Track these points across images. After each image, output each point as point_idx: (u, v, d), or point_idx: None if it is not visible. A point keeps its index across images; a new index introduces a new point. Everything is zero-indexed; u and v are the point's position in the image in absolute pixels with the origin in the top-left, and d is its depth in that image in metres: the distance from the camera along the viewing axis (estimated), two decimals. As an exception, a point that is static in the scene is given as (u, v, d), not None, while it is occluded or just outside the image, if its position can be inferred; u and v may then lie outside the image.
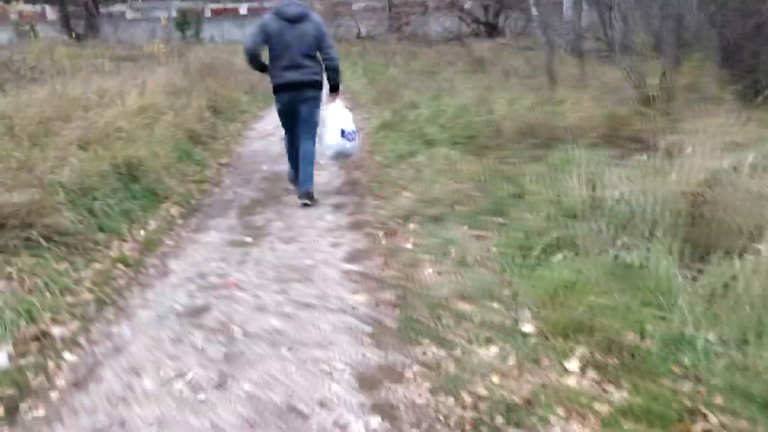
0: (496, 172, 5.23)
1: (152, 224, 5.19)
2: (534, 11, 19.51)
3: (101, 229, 4.76)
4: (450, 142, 6.72)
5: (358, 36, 25.71)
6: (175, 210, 5.65)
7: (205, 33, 33.88)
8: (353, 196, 5.82)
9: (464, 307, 3.24)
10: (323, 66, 5.50)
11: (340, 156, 6.04)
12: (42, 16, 35.40)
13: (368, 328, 3.24)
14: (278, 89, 5.55)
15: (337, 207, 5.53)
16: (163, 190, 5.96)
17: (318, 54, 5.46)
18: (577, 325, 2.80)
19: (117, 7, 38.17)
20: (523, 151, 5.78)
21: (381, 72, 14.23)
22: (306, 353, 3.04)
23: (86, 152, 6.10)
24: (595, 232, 3.50)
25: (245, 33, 32.33)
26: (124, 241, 4.75)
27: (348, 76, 15.26)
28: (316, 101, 5.58)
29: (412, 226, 4.56)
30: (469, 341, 2.96)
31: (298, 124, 5.64)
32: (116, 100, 8.85)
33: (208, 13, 40.69)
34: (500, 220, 4.25)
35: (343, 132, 5.75)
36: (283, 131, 5.99)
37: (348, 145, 5.82)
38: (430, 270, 3.78)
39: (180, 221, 5.40)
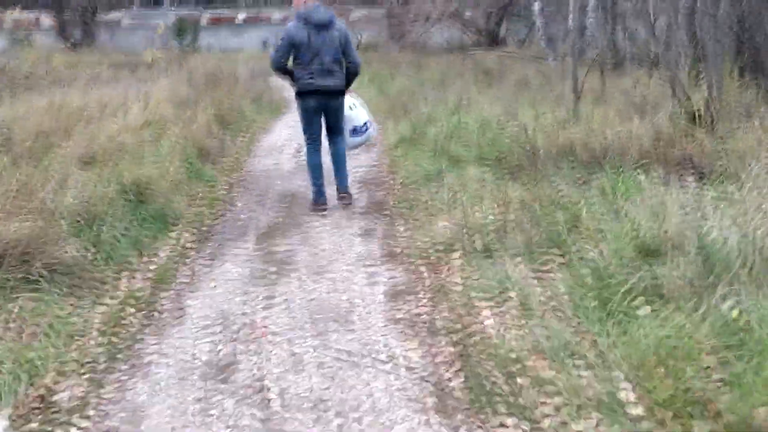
0: (541, 197, 4.73)
1: (163, 254, 4.68)
2: (538, 21, 19.13)
3: (108, 262, 4.25)
4: (479, 161, 6.24)
5: (359, 45, 25.25)
6: (187, 236, 5.14)
7: (203, 41, 33.30)
8: (381, 220, 5.33)
9: (542, 368, 2.75)
10: (347, 71, 5.50)
11: (354, 148, 6.12)
12: (37, 23, 34.83)
13: (429, 392, 2.74)
14: (306, 95, 5.43)
15: (366, 233, 5.03)
16: (173, 214, 5.45)
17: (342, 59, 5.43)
18: (692, 401, 2.31)
19: (113, 15, 37.62)
20: (564, 173, 5.29)
21: (388, 82, 13.74)
22: (358, 425, 2.54)
23: (90, 171, 5.63)
24: (684, 277, 3.01)
25: (243, 41, 31.87)
26: (134, 275, 4.23)
27: (354, 86, 14.79)
28: (342, 107, 5.62)
29: (456, 259, 4.07)
30: (557, 411, 2.47)
31: (325, 131, 5.69)
32: (118, 112, 8.36)
33: (204, 22, 40.23)
34: (560, 255, 3.76)
35: (354, 129, 5.82)
36: (303, 142, 5.94)
37: (360, 139, 5.95)
38: (490, 317, 3.29)
39: (193, 250, 4.89)
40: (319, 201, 5.58)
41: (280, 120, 10.89)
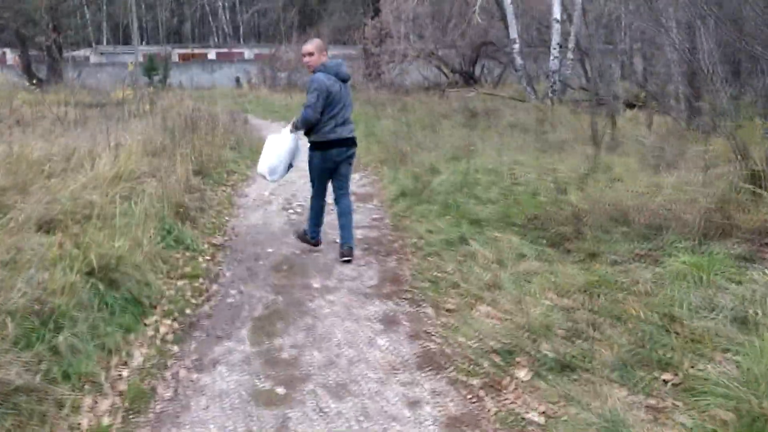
0: (606, 279, 3.82)
1: (138, 357, 3.64)
2: (517, 61, 18.54)
3: (67, 377, 3.20)
4: (505, 223, 5.32)
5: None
6: (166, 328, 4.10)
7: (174, 78, 32.30)
8: (402, 303, 4.35)
9: None
10: None
11: (280, 179, 5.99)
12: (2, 60, 33.47)
13: None
14: (329, 146, 5.33)
15: (388, 322, 4.05)
16: (149, 296, 4.42)
17: None
18: None
19: (81, 52, 36.43)
20: (618, 244, 4.40)
21: (374, 123, 12.87)
22: None
23: (48, 237, 4.59)
24: None
25: (215, 78, 30.94)
26: (100, 395, 3.18)
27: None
28: (353, 158, 5.67)
29: (523, 375, 3.10)
30: None
31: (333, 181, 5.62)
32: (85, 163, 7.31)
33: (175, 58, 39.24)
34: (669, 376, 2.82)
35: (290, 166, 5.75)
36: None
37: (288, 173, 5.88)
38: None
39: (175, 348, 3.85)
40: (314, 238, 5.80)
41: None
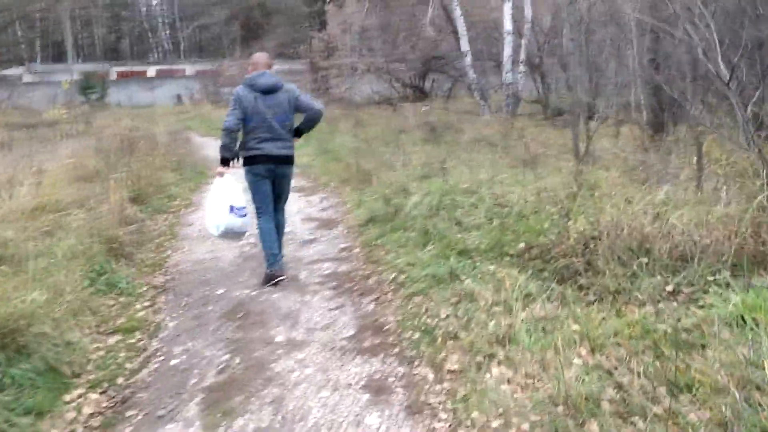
0: (647, 330, 3.07)
1: (51, 457, 2.72)
2: (470, 75, 18.04)
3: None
4: (498, 253, 4.56)
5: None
6: (91, 405, 3.19)
7: (112, 97, 30.82)
8: (391, 362, 3.51)
9: None
10: (307, 119, 5.12)
11: (230, 234, 5.19)
12: (-75, 79, 31.45)
13: None
14: (253, 161, 4.96)
15: (376, 390, 3.21)
16: (71, 362, 3.49)
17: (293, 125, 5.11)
18: None
19: (12, 71, 34.52)
20: (643, 280, 3.67)
21: (328, 140, 12.04)
22: None
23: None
24: None
25: (155, 96, 29.65)
26: None
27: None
28: (290, 177, 5.27)
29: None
30: None
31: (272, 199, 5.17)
32: (3, 192, 6.31)
33: (113, 76, 37.58)
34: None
35: (231, 208, 5.00)
36: (255, 211, 5.16)
37: (239, 222, 5.06)
38: None
39: (103, 439, 2.94)
40: (274, 269, 5.00)
41: (208, 188, 8.98)
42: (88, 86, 30.26)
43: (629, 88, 10.97)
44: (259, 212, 5.08)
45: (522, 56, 17.55)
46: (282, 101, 4.90)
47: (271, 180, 5.05)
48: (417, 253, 4.99)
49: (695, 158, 6.84)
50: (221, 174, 5.04)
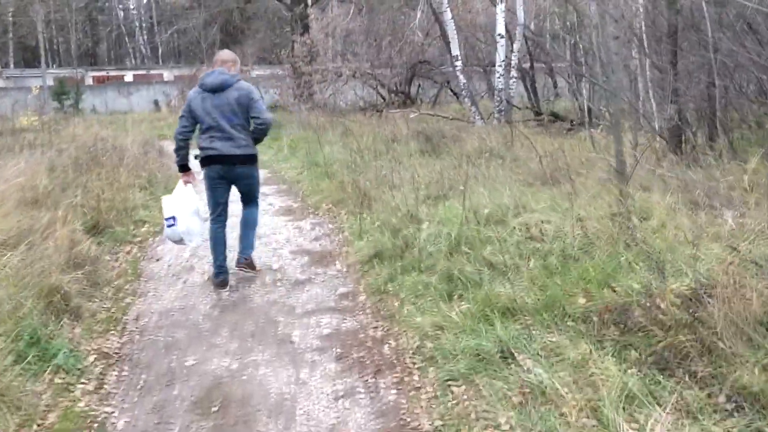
0: None
1: None
2: (461, 79, 16.94)
3: None
4: (557, 315, 3.40)
5: (262, 105, 22.16)
6: None
7: (86, 102, 29.29)
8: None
9: None
10: (253, 128, 4.83)
11: (174, 241, 5.03)
12: None
13: None
14: (207, 162, 4.79)
15: None
16: None
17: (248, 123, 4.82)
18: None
19: (-17, 75, 32.84)
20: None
21: (315, 151, 10.85)
22: None
23: None
24: None
25: (132, 102, 28.23)
26: None
27: (270, 156, 11.77)
28: (252, 176, 4.98)
29: None
30: None
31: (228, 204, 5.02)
32: None
33: (89, 81, 36.00)
34: None
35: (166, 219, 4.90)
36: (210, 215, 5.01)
37: (167, 231, 4.91)
38: None
39: None
40: (217, 280, 4.83)
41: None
42: (61, 92, 28.67)
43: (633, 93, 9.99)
44: (210, 217, 4.93)
45: (514, 61, 16.49)
46: (231, 100, 4.64)
47: (228, 182, 4.87)
48: (443, 307, 3.82)
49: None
50: (186, 182, 4.94)
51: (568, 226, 4.74)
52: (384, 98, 22.93)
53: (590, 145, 10.24)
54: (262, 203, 6.31)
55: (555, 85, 21.43)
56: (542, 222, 4.96)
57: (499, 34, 15.99)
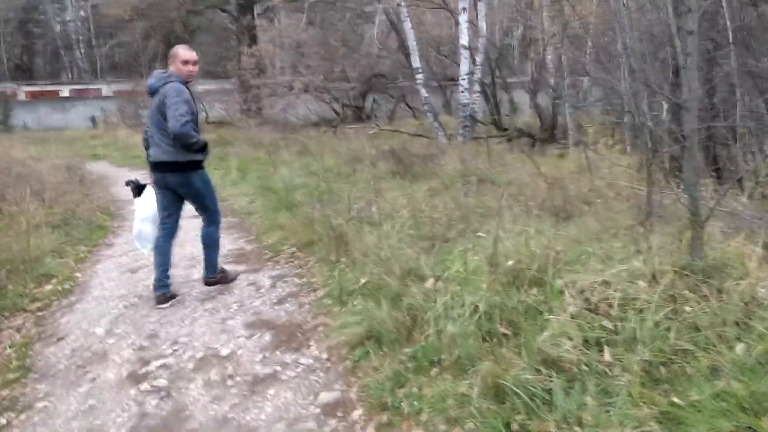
0: None
1: None
2: (423, 93, 15.55)
3: None
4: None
5: (207, 120, 20.33)
6: None
7: (17, 119, 26.78)
8: None
9: None
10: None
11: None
12: None
13: None
14: (150, 167, 4.50)
15: None
16: None
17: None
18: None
19: None
20: None
21: (269, 174, 9.22)
22: None
23: None
24: None
25: (68, 118, 25.86)
26: None
27: (215, 180, 10.05)
28: (186, 184, 4.40)
29: None
30: None
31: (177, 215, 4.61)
32: None
33: (23, 96, 33.27)
34: None
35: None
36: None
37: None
38: None
39: None
40: (156, 294, 4.45)
41: (108, 253, 6.02)
42: (-12, 108, 26.16)
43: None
44: (160, 224, 4.58)
45: (477, 75, 15.22)
46: (158, 103, 4.29)
47: (168, 191, 4.48)
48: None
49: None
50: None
51: (640, 288, 3.30)
52: (338, 113, 21.41)
53: (571, 164, 8.98)
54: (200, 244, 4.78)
55: (511, 100, 20.38)
56: (598, 283, 3.49)
57: (463, 46, 14.65)
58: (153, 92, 4.31)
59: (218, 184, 9.79)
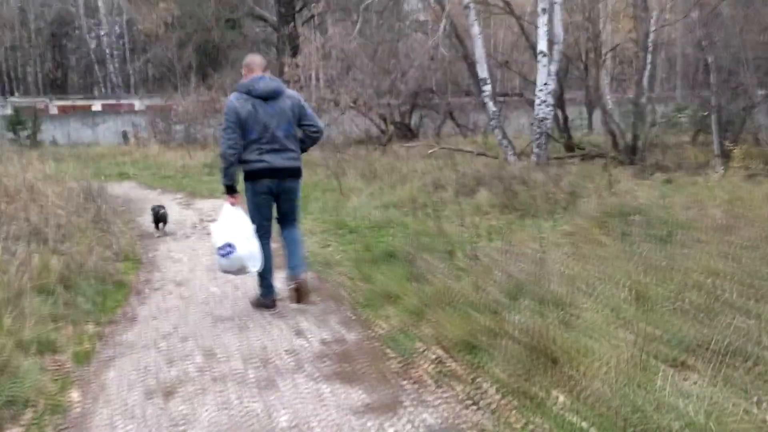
0: None
1: None
2: (490, 106, 13.20)
3: None
4: None
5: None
6: None
7: (46, 134, 24.89)
8: None
9: None
10: (305, 137, 4.13)
11: (229, 272, 4.10)
12: None
13: None
14: (255, 176, 3.97)
15: None
16: None
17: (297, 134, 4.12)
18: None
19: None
20: None
21: (338, 203, 6.94)
22: None
23: None
24: None
25: (98, 133, 23.86)
26: None
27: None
28: (296, 192, 4.18)
29: None
30: None
31: (278, 217, 4.23)
32: None
33: (54, 110, 31.51)
34: None
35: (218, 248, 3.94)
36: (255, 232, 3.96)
37: (224, 261, 3.94)
38: None
39: None
40: (268, 296, 4.14)
41: (128, 339, 3.66)
42: (17, 122, 24.28)
43: None
44: (258, 234, 3.99)
45: (552, 85, 12.85)
46: (285, 108, 3.94)
47: (274, 198, 4.06)
48: None
49: None
50: (233, 204, 3.97)
51: None
52: (383, 130, 19.17)
53: (722, 192, 6.66)
54: (271, 331, 2.90)
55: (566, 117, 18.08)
56: None
57: (541, 52, 12.30)
58: (274, 96, 3.92)
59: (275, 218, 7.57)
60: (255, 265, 3.97)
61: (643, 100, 14.62)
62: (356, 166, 9.97)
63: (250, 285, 4.42)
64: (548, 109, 12.33)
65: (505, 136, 13.26)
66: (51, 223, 5.50)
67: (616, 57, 19.74)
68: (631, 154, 13.25)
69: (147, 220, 7.98)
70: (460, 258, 4.40)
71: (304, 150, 4.15)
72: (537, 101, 12.45)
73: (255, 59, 4.08)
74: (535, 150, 12.28)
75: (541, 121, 12.30)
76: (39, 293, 3.90)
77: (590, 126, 19.55)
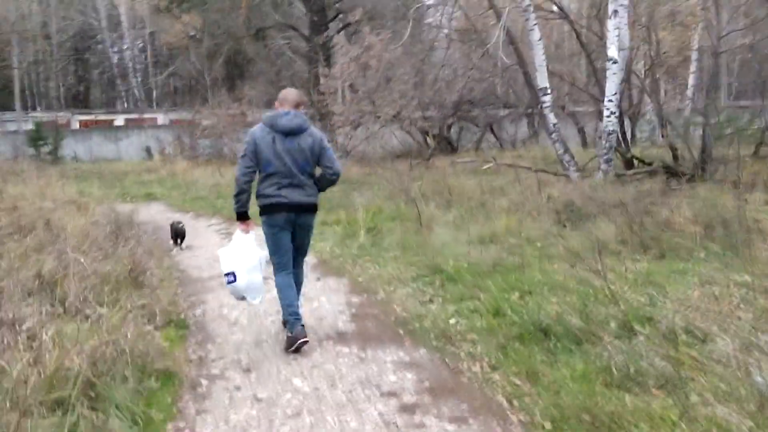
0: None
1: None
2: (550, 119, 11.72)
3: None
4: None
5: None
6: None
7: (68, 149, 23.74)
8: None
9: None
10: (321, 177, 4.06)
11: (237, 298, 4.07)
12: None
13: None
14: (272, 210, 3.95)
15: None
16: None
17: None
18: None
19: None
20: None
21: (418, 237, 5.52)
22: None
23: None
24: None
25: (121, 148, 22.53)
26: None
27: (331, 245, 6.34)
28: (312, 228, 4.16)
29: None
30: None
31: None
32: None
33: (76, 125, 30.47)
34: None
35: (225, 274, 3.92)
36: (274, 266, 4.00)
37: (228, 287, 3.97)
38: None
39: None
40: (296, 332, 3.81)
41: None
42: (38, 137, 23.16)
43: None
44: (278, 267, 4.01)
45: (617, 97, 11.36)
46: (304, 146, 3.90)
47: (290, 231, 3.99)
48: None
49: None
50: (245, 231, 3.98)
51: None
52: (425, 143, 17.76)
53: None
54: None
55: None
56: None
57: (611, 59, 10.81)
58: (296, 133, 3.88)
59: (342, 255, 6.15)
60: (254, 297, 4.00)
61: (710, 110, 13.13)
62: (427, 188, 8.50)
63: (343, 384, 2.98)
64: (616, 120, 10.90)
65: (567, 150, 11.76)
66: (71, 272, 4.13)
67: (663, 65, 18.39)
68: (699, 170, 11.71)
69: (185, 256, 6.62)
70: (648, 335, 2.97)
71: (320, 189, 4.07)
72: (606, 112, 10.96)
73: (288, 94, 4.04)
74: (603, 166, 10.79)
75: (609, 134, 10.84)
76: (51, 409, 2.49)
77: (632, 137, 18.21)
